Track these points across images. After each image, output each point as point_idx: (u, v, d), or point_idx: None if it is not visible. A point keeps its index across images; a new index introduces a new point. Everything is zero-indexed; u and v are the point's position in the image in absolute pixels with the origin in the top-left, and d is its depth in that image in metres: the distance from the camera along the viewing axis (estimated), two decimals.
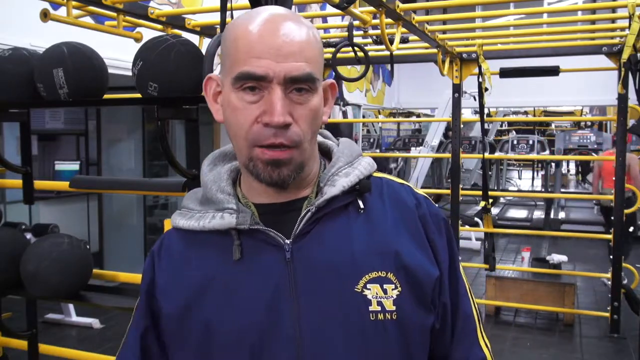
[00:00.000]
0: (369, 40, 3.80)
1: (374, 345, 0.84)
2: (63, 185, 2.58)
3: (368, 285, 0.84)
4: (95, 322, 4.82)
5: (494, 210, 9.49)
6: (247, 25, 0.82)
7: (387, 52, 3.15)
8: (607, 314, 4.63)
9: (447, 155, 5.54)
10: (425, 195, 0.95)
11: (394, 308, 0.84)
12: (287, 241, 0.86)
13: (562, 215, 9.40)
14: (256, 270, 0.86)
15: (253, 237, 0.87)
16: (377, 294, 0.84)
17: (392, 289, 0.85)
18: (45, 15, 2.41)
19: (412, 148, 9.82)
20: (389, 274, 0.85)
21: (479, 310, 0.98)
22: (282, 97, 0.80)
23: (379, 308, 0.84)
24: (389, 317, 0.84)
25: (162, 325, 0.91)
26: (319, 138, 0.97)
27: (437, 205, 0.98)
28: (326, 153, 0.95)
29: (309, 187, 0.90)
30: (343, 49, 3.09)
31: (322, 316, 0.84)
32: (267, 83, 0.80)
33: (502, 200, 11.00)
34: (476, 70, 4.47)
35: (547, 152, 10.09)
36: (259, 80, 0.80)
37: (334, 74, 3.52)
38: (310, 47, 0.83)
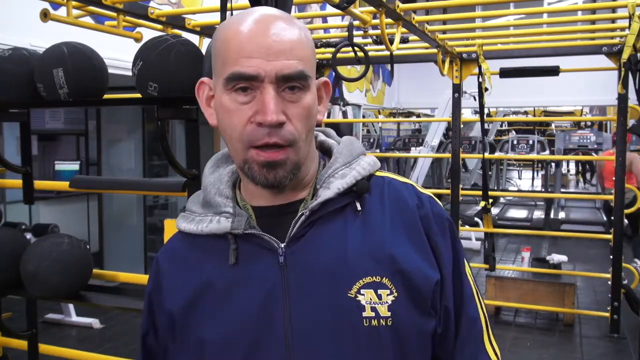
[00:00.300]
0: (369, 40, 3.80)
1: (367, 351, 0.82)
2: (63, 185, 2.59)
3: (362, 291, 0.82)
4: (95, 322, 4.82)
5: (494, 210, 9.48)
6: (238, 25, 0.82)
7: (387, 52, 3.15)
8: (607, 314, 4.63)
9: (447, 155, 5.54)
10: (430, 194, 0.92)
11: (388, 314, 0.82)
12: (282, 245, 0.85)
13: (562, 215, 9.39)
14: (251, 275, 0.85)
15: (249, 241, 0.86)
16: (371, 299, 0.82)
17: (387, 295, 0.83)
18: (45, 15, 2.41)
19: (412, 148, 9.81)
20: (383, 279, 0.83)
21: (487, 315, 0.93)
22: (275, 95, 0.79)
23: (372, 314, 0.82)
24: (384, 323, 0.82)
25: (163, 328, 0.91)
26: (322, 137, 0.96)
27: None
28: (328, 152, 0.94)
29: (307, 188, 0.89)
30: (343, 49, 3.09)
31: (314, 321, 0.82)
32: (258, 83, 0.79)
33: (502, 200, 11.00)
34: (476, 70, 4.47)
35: (547, 152, 10.09)
36: (251, 80, 0.79)
37: (334, 74, 3.52)
38: (301, 46, 0.82)
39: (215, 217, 0.88)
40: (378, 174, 0.92)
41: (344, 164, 0.89)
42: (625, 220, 6.66)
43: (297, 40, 0.82)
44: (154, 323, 0.93)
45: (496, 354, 0.92)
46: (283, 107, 0.80)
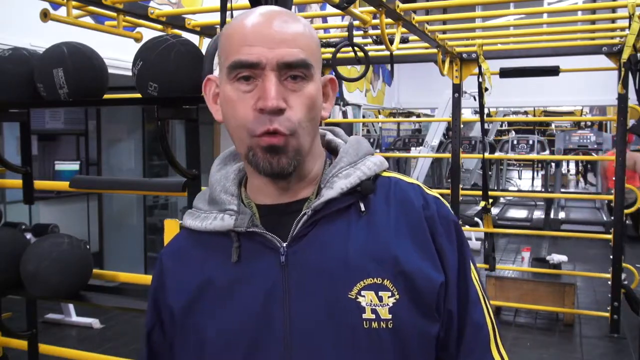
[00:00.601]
0: (369, 40, 3.80)
1: (367, 353, 0.81)
2: (63, 185, 2.58)
3: (362, 292, 0.82)
4: (95, 322, 4.82)
5: (494, 210, 9.48)
6: (241, 21, 0.83)
7: (387, 52, 3.15)
8: (607, 314, 4.63)
9: (447, 155, 5.53)
10: (437, 195, 0.91)
11: (389, 317, 0.81)
12: (283, 244, 0.85)
13: (562, 215, 9.39)
14: (252, 274, 0.85)
15: (252, 240, 0.86)
16: (371, 301, 0.81)
17: (389, 297, 0.82)
18: (45, 15, 2.41)
19: (412, 148, 9.81)
20: (385, 280, 0.82)
21: (495, 320, 0.91)
22: (276, 82, 0.79)
23: (373, 316, 0.81)
24: (384, 326, 0.81)
25: (168, 324, 0.91)
26: (330, 136, 0.96)
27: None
28: (335, 152, 0.93)
29: (311, 187, 0.89)
30: (343, 49, 3.09)
31: (313, 322, 0.82)
32: (260, 70, 0.80)
33: (502, 200, 11.00)
34: (476, 70, 4.47)
35: (547, 152, 10.09)
36: (252, 67, 0.80)
37: (334, 73, 3.52)
38: (304, 37, 0.82)
39: (220, 215, 0.88)
40: (385, 174, 0.92)
41: (348, 163, 0.89)
42: (629, 221, 6.69)
43: (300, 32, 0.82)
44: (160, 319, 0.93)
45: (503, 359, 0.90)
46: (285, 95, 0.80)
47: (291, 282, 0.83)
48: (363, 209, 0.86)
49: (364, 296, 0.82)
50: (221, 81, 0.85)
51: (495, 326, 0.90)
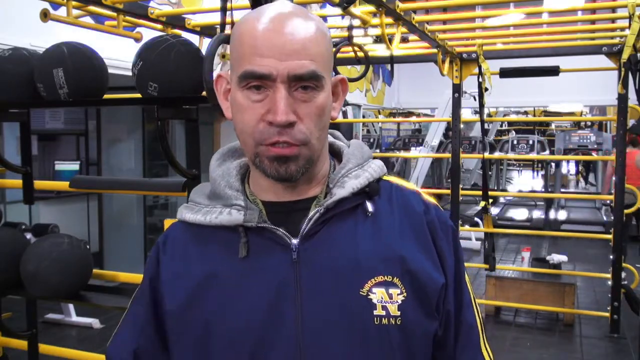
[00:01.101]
0: (369, 40, 3.80)
1: (376, 349, 0.83)
2: (63, 185, 2.59)
3: (373, 289, 0.84)
4: (95, 322, 4.83)
5: (494, 210, 9.48)
6: (254, 21, 0.82)
7: (387, 53, 3.15)
8: (607, 314, 4.63)
9: (447, 155, 5.54)
10: (435, 202, 0.95)
11: (398, 313, 0.84)
12: (294, 241, 0.85)
13: (562, 215, 9.40)
14: (261, 269, 0.85)
15: (260, 235, 0.86)
16: (382, 298, 0.83)
17: (398, 294, 0.84)
18: (45, 15, 2.41)
19: (412, 148, 9.81)
20: (394, 278, 0.84)
21: (482, 320, 0.97)
22: (286, 95, 0.79)
23: (383, 312, 0.83)
24: (393, 322, 0.83)
25: (164, 319, 0.90)
26: (330, 139, 0.96)
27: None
28: (336, 154, 0.95)
29: (318, 186, 0.89)
30: (343, 49, 3.09)
31: (325, 318, 0.83)
32: (271, 82, 0.80)
33: (502, 200, 10.99)
34: (476, 70, 4.47)
35: (547, 152, 10.09)
36: (263, 79, 0.80)
37: (334, 74, 3.52)
38: (315, 44, 0.82)
39: (226, 209, 0.88)
40: (385, 178, 0.94)
41: (356, 165, 0.91)
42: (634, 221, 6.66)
43: (311, 38, 0.81)
44: (153, 314, 0.91)
45: (490, 357, 0.95)
46: (295, 107, 0.80)
47: (302, 279, 0.84)
48: (371, 209, 0.88)
49: (375, 293, 0.84)
50: (232, 81, 0.85)
51: (482, 324, 0.96)
